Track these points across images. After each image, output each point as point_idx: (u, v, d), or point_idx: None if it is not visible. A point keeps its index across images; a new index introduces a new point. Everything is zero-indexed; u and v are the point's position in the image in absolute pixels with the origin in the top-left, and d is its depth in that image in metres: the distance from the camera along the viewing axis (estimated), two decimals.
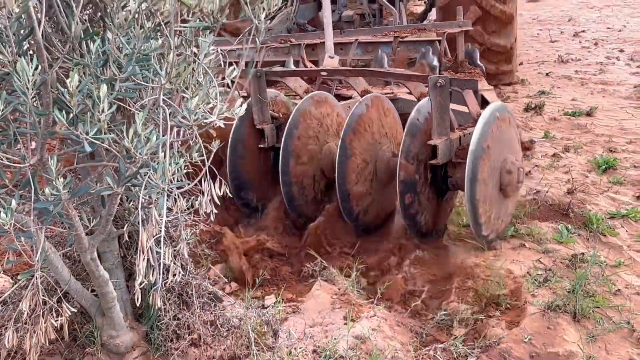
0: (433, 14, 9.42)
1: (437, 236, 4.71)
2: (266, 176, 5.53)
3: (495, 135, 4.55)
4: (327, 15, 6.91)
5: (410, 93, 5.79)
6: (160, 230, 2.65)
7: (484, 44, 8.54)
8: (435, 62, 6.88)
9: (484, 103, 5.27)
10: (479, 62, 7.41)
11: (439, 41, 7.18)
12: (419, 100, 5.16)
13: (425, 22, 8.56)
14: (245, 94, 5.74)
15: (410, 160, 4.61)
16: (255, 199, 5.48)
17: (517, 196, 4.97)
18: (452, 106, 4.76)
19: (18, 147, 2.73)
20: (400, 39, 7.30)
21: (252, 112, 5.45)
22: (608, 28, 11.41)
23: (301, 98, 5.52)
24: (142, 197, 2.68)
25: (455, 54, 7.36)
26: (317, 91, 5.67)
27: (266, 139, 5.46)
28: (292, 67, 6.82)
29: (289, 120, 5.13)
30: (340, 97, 6.12)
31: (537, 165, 6.13)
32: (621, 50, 9.93)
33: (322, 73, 5.97)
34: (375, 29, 8.01)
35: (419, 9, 10.20)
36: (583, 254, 4.47)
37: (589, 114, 7.33)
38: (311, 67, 6.95)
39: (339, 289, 4.19)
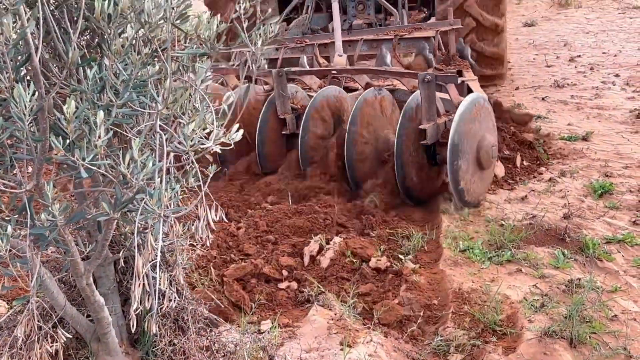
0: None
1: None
2: (281, 151, 6.87)
3: (472, 120, 5.65)
4: (336, 18, 8.07)
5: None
6: (156, 256, 2.65)
7: (481, 51, 9.61)
8: (431, 56, 7.79)
9: (469, 92, 6.29)
10: (469, 56, 8.36)
11: (433, 37, 8.04)
12: (412, 92, 6.27)
13: (421, 23, 9.58)
14: (270, 88, 7.02)
15: (404, 139, 5.83)
16: (274, 167, 6.76)
17: (493, 169, 6.07)
18: (443, 95, 6.05)
19: (14, 173, 2.73)
20: (400, 37, 8.18)
21: (275, 104, 6.73)
22: (604, 53, 11.45)
23: (316, 92, 6.79)
24: (138, 223, 2.68)
25: (448, 49, 8.24)
26: (329, 86, 6.98)
27: (287, 126, 6.78)
28: (306, 64, 7.98)
29: (307, 112, 6.45)
30: (348, 89, 7.28)
31: (533, 190, 6.14)
32: (617, 75, 9.97)
33: (332, 72, 7.24)
34: (378, 29, 9.00)
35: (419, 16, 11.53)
36: (580, 279, 4.47)
37: (585, 139, 7.35)
38: (324, 63, 8.13)
39: (335, 314, 4.18)
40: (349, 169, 6.18)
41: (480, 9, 9.56)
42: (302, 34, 9.56)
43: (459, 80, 6.28)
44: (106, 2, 2.52)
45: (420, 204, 6.05)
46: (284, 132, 6.81)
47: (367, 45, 8.31)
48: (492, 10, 9.64)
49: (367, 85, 7.02)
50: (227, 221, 5.44)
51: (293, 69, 7.42)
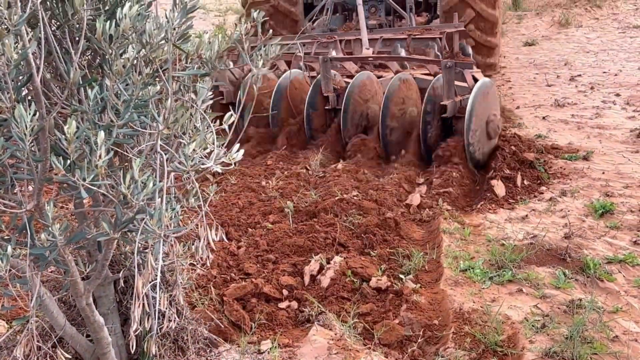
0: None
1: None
2: (325, 123, 8.33)
3: (482, 99, 7.28)
4: (361, 19, 9.79)
5: (424, 73, 8.64)
6: (156, 277, 2.64)
7: (476, 40, 11.10)
8: (438, 53, 9.37)
9: (475, 81, 7.64)
10: (470, 54, 10.01)
11: (440, 38, 9.56)
12: (434, 76, 7.92)
13: (430, 24, 11.36)
14: (315, 74, 8.63)
15: (433, 114, 7.54)
16: (314, 133, 8.27)
17: (497, 138, 7.52)
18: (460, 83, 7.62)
19: (15, 192, 2.73)
20: (413, 37, 9.68)
21: (320, 84, 8.20)
22: (604, 72, 11.47)
23: (353, 76, 8.34)
24: (139, 242, 2.68)
25: (452, 47, 9.84)
26: (363, 71, 8.46)
27: (330, 102, 8.21)
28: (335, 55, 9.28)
29: (348, 91, 7.93)
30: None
31: (534, 209, 6.14)
32: (617, 95, 9.98)
33: (369, 59, 8.91)
34: (394, 29, 10.81)
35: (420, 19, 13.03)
36: (581, 299, 4.46)
37: (585, 158, 7.35)
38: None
39: (336, 334, 4.17)
40: (382, 135, 7.79)
41: (479, 1, 11.05)
42: (322, 32, 11.09)
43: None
44: (107, 23, 2.53)
45: (428, 160, 7.64)
46: (326, 107, 8.28)
47: (382, 43, 9.74)
48: (489, 3, 11.13)
49: (397, 72, 8.62)
50: (227, 241, 5.44)
51: (336, 56, 9.02)
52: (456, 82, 7.55)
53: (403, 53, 9.22)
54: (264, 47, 3.03)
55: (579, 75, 11.34)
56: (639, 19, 15.62)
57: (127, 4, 2.54)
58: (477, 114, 7.18)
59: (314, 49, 9.77)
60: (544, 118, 9.05)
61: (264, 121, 8.35)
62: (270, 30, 3.27)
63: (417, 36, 9.70)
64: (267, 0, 11.80)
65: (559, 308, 4.42)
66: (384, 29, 10.84)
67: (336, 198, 6.19)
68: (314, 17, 12.01)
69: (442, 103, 7.42)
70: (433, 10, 12.46)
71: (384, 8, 11.74)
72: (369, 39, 9.59)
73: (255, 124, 8.42)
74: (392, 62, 8.93)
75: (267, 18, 11.14)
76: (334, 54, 9.36)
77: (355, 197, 6.27)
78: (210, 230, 3.02)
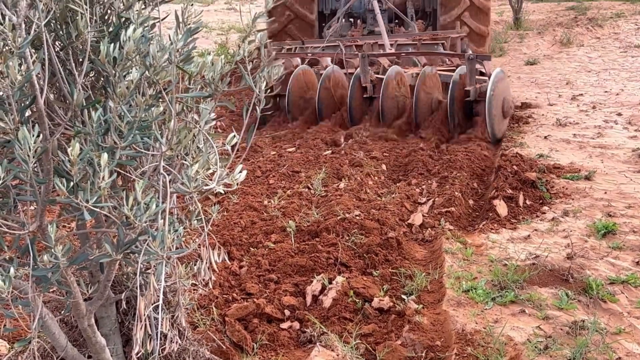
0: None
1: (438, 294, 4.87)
2: (364, 109, 10.24)
3: (498, 85, 8.92)
4: (381, 25, 11.78)
5: (440, 69, 10.33)
6: (159, 298, 2.64)
7: (470, 27, 12.86)
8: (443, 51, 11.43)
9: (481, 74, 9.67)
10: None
11: (443, 43, 11.56)
12: (457, 67, 9.89)
13: (437, 31, 12.98)
14: (352, 70, 10.32)
15: (458, 98, 9.35)
16: (356, 119, 10.17)
17: (509, 117, 9.54)
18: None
19: (17, 213, 2.73)
20: (422, 42, 11.63)
21: (360, 77, 9.96)
22: (606, 92, 11.48)
23: (387, 69, 10.04)
24: (141, 264, 2.68)
25: (454, 49, 11.68)
26: (394, 66, 10.10)
27: (368, 92, 10.04)
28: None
29: (385, 81, 9.70)
30: None
31: (536, 229, 6.13)
32: (619, 114, 9.99)
33: (402, 54, 10.89)
34: (407, 34, 12.56)
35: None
36: (583, 320, 4.45)
37: (587, 178, 7.35)
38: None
39: (338, 355, 4.16)
40: (415, 118, 9.69)
41: None
42: (336, 37, 12.74)
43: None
44: (111, 46, 2.54)
45: (456, 135, 9.46)
46: (365, 96, 10.09)
47: (397, 47, 11.53)
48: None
49: (424, 65, 10.45)
50: (229, 262, 5.43)
51: (373, 53, 10.81)
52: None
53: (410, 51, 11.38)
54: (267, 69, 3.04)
55: (581, 95, 11.35)
56: None
57: (131, 27, 2.55)
58: (496, 97, 8.89)
59: (340, 49, 11.31)
60: (545, 137, 9.06)
61: (307, 106, 10.56)
62: (273, 53, 3.28)
63: (425, 41, 11.66)
64: (287, 7, 13.26)
65: (561, 329, 4.41)
66: (395, 34, 12.54)
67: (338, 217, 6.19)
68: (329, 25, 13.56)
69: (466, 88, 9.30)
70: (429, 17, 14.19)
71: (387, 16, 13.21)
72: (380, 44, 11.49)
73: (300, 109, 10.58)
74: (420, 57, 10.99)
75: (288, 23, 13.51)
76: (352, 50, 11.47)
77: (357, 217, 6.27)
78: (213, 251, 3.02)
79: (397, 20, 13.63)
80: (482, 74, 9.65)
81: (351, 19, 14.17)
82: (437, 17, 13.48)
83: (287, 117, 10.70)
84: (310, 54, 11.51)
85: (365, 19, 13.86)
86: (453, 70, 9.87)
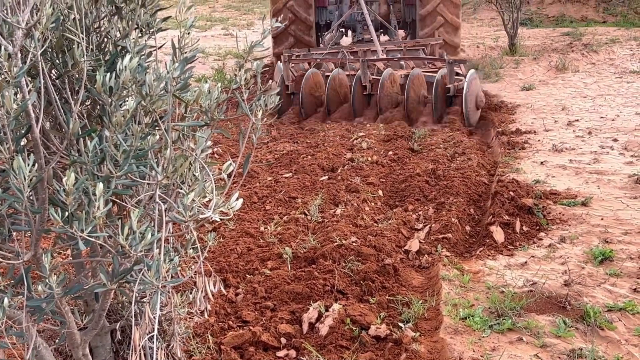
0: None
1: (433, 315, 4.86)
2: (366, 106, 12.47)
3: (472, 84, 11.43)
4: (373, 35, 14.12)
5: (424, 70, 12.60)
6: (154, 329, 2.62)
7: (444, 39, 15.18)
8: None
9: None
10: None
11: (424, 49, 14.18)
12: (438, 69, 12.15)
13: (418, 39, 15.48)
14: (353, 72, 12.66)
15: (440, 94, 11.71)
16: (359, 112, 12.39)
17: (481, 109, 11.93)
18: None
19: (12, 243, 2.72)
20: (407, 48, 14.15)
21: (360, 77, 12.14)
22: (601, 117, 11.49)
23: (382, 71, 12.50)
24: (136, 293, 2.66)
25: (432, 54, 14.12)
26: (388, 68, 12.43)
27: (368, 89, 12.28)
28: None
29: (381, 81, 11.92)
30: None
31: (533, 256, 6.11)
32: (615, 140, 9.99)
33: (395, 59, 13.38)
34: (394, 42, 15.27)
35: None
36: (581, 349, 4.42)
37: (584, 204, 7.34)
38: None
39: None
40: (406, 109, 11.90)
41: (446, 11, 15.41)
42: (331, 45, 15.50)
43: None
44: (108, 75, 2.54)
45: (439, 122, 11.72)
46: (365, 93, 12.34)
47: (386, 53, 13.91)
48: (454, 13, 15.56)
49: (412, 68, 12.75)
50: (225, 290, 5.41)
51: (371, 58, 12.96)
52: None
53: (398, 57, 13.71)
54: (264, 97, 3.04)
55: (577, 120, 11.36)
56: (636, 64, 15.71)
57: (128, 56, 2.55)
58: (471, 92, 11.46)
59: (340, 56, 13.55)
60: (542, 163, 9.05)
61: (317, 102, 12.73)
62: (271, 81, 3.28)
63: (409, 47, 14.25)
64: (288, 8, 15.61)
65: (559, 357, 4.39)
66: (385, 42, 15.08)
67: (335, 244, 6.18)
68: (325, 34, 16.65)
69: (446, 86, 11.71)
70: (409, 26, 16.63)
71: (373, 26, 14.88)
72: (372, 50, 13.62)
73: (311, 105, 12.71)
74: (406, 62, 13.44)
75: (288, 23, 15.58)
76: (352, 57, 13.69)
77: (354, 243, 6.25)
78: (209, 280, 3.00)
79: (382, 29, 16.15)
80: (458, 74, 12.10)
81: (342, 29, 16.94)
82: (416, 27, 15.98)
83: (299, 111, 12.72)
84: (317, 59, 13.81)
85: (355, 29, 16.50)
86: (435, 72, 12.13)
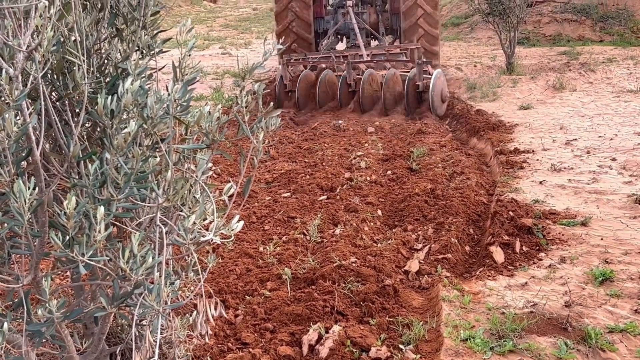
0: None
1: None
2: (350, 99, 14.89)
3: (437, 80, 13.87)
4: (360, 42, 16.75)
5: (401, 70, 15.10)
6: (154, 353, 2.59)
7: (425, 48, 17.15)
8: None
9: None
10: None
11: (405, 52, 16.62)
12: (410, 70, 14.62)
13: (399, 44, 17.87)
14: (340, 72, 15.23)
15: (411, 90, 14.33)
16: (344, 105, 14.83)
17: (447, 102, 14.50)
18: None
19: (12, 266, 2.70)
20: (390, 52, 16.50)
21: (346, 77, 14.67)
22: (600, 136, 11.49)
23: (364, 72, 14.88)
24: (136, 316, 2.64)
25: (414, 57, 15.95)
26: (369, 69, 14.80)
27: (352, 86, 14.78)
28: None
29: (363, 80, 14.42)
30: None
31: (533, 277, 6.09)
32: (613, 159, 9.99)
33: (376, 60, 15.79)
34: (378, 47, 17.93)
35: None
36: None
37: (583, 224, 7.32)
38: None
39: None
40: (384, 102, 14.49)
41: (426, 24, 17.48)
42: (328, 50, 17.93)
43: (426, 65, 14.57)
44: (109, 98, 2.52)
45: (411, 114, 14.35)
46: (350, 90, 14.86)
47: (372, 56, 16.36)
48: (433, 25, 17.64)
49: (389, 69, 15.04)
50: (225, 314, 5.38)
51: (355, 60, 15.56)
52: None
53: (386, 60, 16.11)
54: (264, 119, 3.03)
55: (575, 140, 11.36)
56: (633, 83, 15.74)
57: (129, 79, 2.54)
58: (436, 88, 13.90)
59: (331, 59, 16.09)
60: (541, 183, 9.04)
61: (310, 97, 15.20)
62: (272, 104, 3.29)
63: (391, 51, 16.61)
64: (292, 29, 18.13)
65: None
66: (370, 47, 17.92)
67: (334, 264, 6.16)
68: (322, 41, 18.85)
69: (416, 83, 14.25)
70: (396, 33, 18.68)
71: (365, 33, 17.95)
72: (360, 54, 16.31)
73: (305, 100, 15.25)
74: (386, 63, 15.65)
75: (292, 42, 18.16)
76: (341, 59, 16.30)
77: (353, 264, 6.23)
78: (209, 304, 2.98)
79: (372, 36, 18.91)
80: (428, 73, 14.37)
81: (338, 36, 19.32)
82: (401, 34, 18.07)
83: (296, 104, 15.34)
84: (312, 62, 16.25)
85: (348, 36, 18.90)
86: (409, 72, 14.62)
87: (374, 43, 18.93)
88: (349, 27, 18.23)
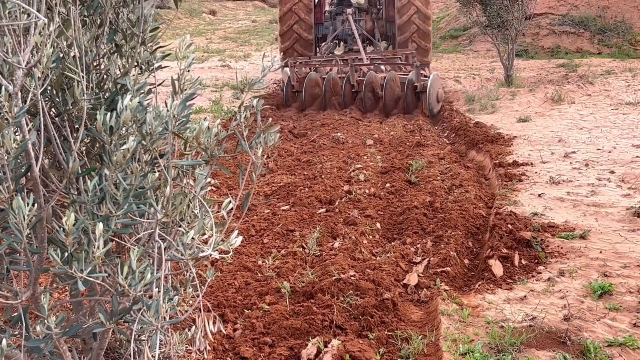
0: None
1: None
2: (353, 100, 16.20)
3: (434, 82, 15.32)
4: (360, 45, 18.18)
5: (400, 73, 16.54)
6: None
7: (418, 45, 18.79)
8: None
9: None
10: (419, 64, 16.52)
11: (401, 57, 17.92)
12: (409, 72, 16.27)
13: (396, 49, 19.37)
14: (344, 74, 16.40)
15: (410, 91, 15.61)
16: (348, 104, 16.04)
17: (442, 101, 15.83)
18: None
19: (10, 282, 2.70)
20: (386, 57, 18.28)
21: (349, 78, 16.02)
22: (598, 149, 11.50)
23: (366, 73, 16.36)
24: (135, 332, 2.64)
25: (407, 61, 17.58)
26: (370, 71, 16.22)
27: (355, 87, 16.12)
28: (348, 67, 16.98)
29: (365, 81, 15.80)
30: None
31: (532, 290, 6.09)
32: (612, 172, 9.99)
33: (375, 63, 17.30)
34: (377, 52, 19.50)
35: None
36: None
37: (582, 237, 7.32)
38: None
39: None
40: (384, 102, 15.78)
41: (419, 21, 18.85)
42: (327, 54, 19.83)
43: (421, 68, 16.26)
44: (108, 114, 2.53)
45: (409, 113, 15.62)
46: (353, 90, 16.14)
47: (371, 60, 17.86)
48: (425, 22, 19.00)
49: (389, 71, 16.42)
50: (223, 330, 5.37)
51: (358, 63, 16.88)
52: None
53: (382, 65, 17.62)
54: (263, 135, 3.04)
55: (573, 152, 11.37)
56: (631, 96, 15.77)
57: (128, 95, 2.55)
58: (432, 89, 15.28)
59: (334, 62, 17.57)
60: (539, 195, 9.05)
61: (316, 97, 16.45)
62: (270, 119, 3.30)
63: (388, 55, 18.48)
64: (294, 31, 19.56)
65: None
66: (367, 52, 18.69)
67: (333, 278, 6.15)
68: (322, 45, 20.51)
69: (414, 84, 15.56)
70: (390, 38, 20.35)
71: (361, 38, 19.17)
72: (359, 58, 17.69)
73: (311, 99, 16.46)
74: (386, 66, 17.40)
75: (294, 42, 19.62)
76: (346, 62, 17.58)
77: (352, 277, 6.23)
78: (208, 320, 2.98)
79: (368, 41, 20.27)
80: (425, 75, 16.03)
81: (336, 41, 20.66)
82: (395, 39, 19.72)
83: (302, 103, 16.54)
84: (316, 65, 17.78)
85: (346, 41, 20.39)
86: (407, 74, 16.11)
87: (369, 48, 20.20)
88: (347, 33, 19.78)
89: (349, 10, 19.56)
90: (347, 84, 16.20)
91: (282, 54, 19.84)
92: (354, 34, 18.98)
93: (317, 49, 20.63)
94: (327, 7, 21.31)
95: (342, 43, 21.07)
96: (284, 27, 19.82)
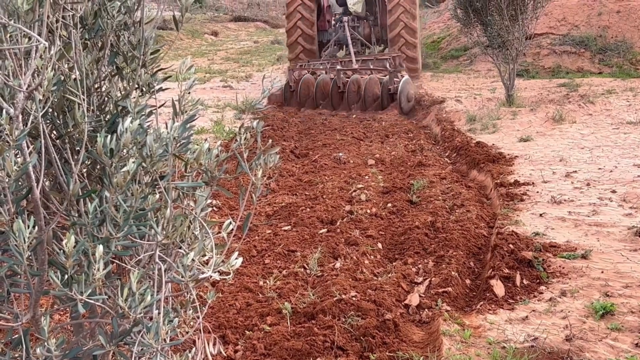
0: None
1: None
2: (340, 99, 19.15)
3: (405, 84, 18.61)
4: (351, 50, 20.83)
5: (380, 75, 19.45)
6: None
7: (406, 54, 21.63)
8: (388, 66, 19.62)
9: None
10: (404, 67, 20.28)
11: (388, 59, 20.31)
12: (385, 77, 19.18)
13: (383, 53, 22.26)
14: (333, 76, 19.52)
15: (385, 92, 18.85)
16: (335, 104, 19.10)
17: (413, 101, 18.80)
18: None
19: (11, 304, 2.70)
20: (377, 58, 20.62)
21: (336, 80, 19.20)
22: (599, 169, 11.49)
23: (350, 75, 19.40)
24: (135, 354, 2.64)
25: (395, 63, 20.34)
26: (354, 75, 19.29)
27: (341, 88, 19.12)
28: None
29: (349, 83, 18.97)
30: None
31: (534, 310, 6.08)
32: (613, 191, 9.98)
33: (360, 68, 19.81)
34: (367, 55, 21.74)
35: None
36: None
37: (584, 257, 7.31)
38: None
39: None
40: (364, 101, 18.64)
41: (407, 35, 21.75)
42: (329, 57, 22.15)
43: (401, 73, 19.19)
44: (108, 137, 2.54)
45: (385, 109, 18.58)
46: (339, 91, 18.87)
47: (362, 62, 20.69)
48: (412, 35, 21.89)
49: (370, 73, 19.22)
50: (224, 352, 5.36)
51: (343, 68, 19.65)
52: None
53: (371, 65, 20.05)
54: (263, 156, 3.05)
55: (575, 172, 11.36)
56: (632, 115, 15.78)
57: (129, 118, 2.56)
58: (403, 90, 18.21)
59: (327, 65, 20.36)
60: (541, 215, 9.04)
61: (309, 97, 19.17)
62: (270, 141, 3.31)
63: (378, 57, 20.81)
64: (299, 42, 23.07)
65: None
66: (364, 54, 22.10)
67: (334, 299, 6.15)
68: (324, 50, 23.36)
69: (389, 87, 18.51)
70: (385, 42, 22.86)
71: (359, 43, 22.86)
72: (349, 61, 20.36)
73: (305, 99, 19.20)
74: (368, 70, 19.65)
75: (300, 52, 23.06)
76: (338, 66, 20.02)
77: (353, 298, 6.23)
78: (208, 342, 2.98)
79: (365, 45, 23.04)
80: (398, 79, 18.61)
81: (337, 45, 22.98)
82: (388, 44, 22.52)
83: (298, 102, 19.30)
84: (311, 68, 20.40)
85: (347, 45, 22.25)
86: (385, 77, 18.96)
87: (368, 51, 22.86)
88: (346, 38, 22.48)
89: (345, 18, 22.31)
90: (334, 85, 19.18)
91: (290, 61, 23.43)
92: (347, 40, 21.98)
93: (321, 53, 23.61)
94: (335, 16, 23.98)
95: (344, 47, 23.18)
96: (290, 39, 23.30)
